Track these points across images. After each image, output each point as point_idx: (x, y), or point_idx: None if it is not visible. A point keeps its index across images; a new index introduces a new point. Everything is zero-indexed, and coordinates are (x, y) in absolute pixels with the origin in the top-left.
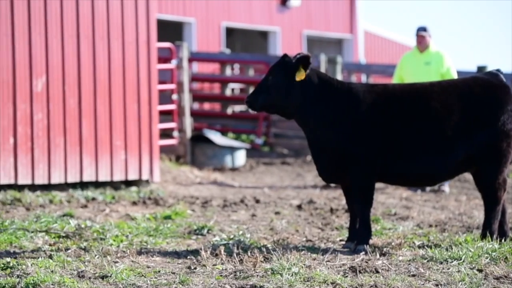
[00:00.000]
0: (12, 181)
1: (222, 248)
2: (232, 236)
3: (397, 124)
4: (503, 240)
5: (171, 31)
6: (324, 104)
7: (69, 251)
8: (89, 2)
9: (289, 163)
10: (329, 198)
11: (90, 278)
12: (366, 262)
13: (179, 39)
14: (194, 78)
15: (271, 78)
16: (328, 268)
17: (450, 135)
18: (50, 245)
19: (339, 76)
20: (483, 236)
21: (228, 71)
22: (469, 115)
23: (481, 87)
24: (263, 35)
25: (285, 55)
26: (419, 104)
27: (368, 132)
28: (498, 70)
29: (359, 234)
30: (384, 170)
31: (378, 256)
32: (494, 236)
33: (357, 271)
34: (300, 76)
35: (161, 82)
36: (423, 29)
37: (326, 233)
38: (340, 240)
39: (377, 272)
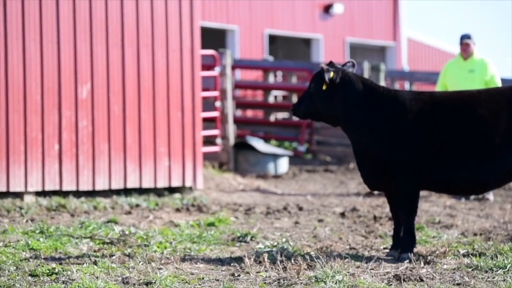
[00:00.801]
0: (57, 187)
1: (265, 256)
2: (275, 244)
3: (444, 132)
4: None
5: (214, 38)
6: (369, 111)
7: (113, 257)
8: (133, 10)
9: (332, 170)
10: (373, 206)
11: (134, 284)
12: (411, 271)
13: (223, 46)
14: (237, 85)
15: (312, 85)
16: (372, 276)
17: (498, 143)
18: (94, 251)
19: (382, 84)
20: None
21: (271, 78)
22: None
23: None
24: (306, 43)
25: (330, 62)
26: (466, 111)
27: (415, 140)
28: None
29: (404, 242)
30: (431, 178)
31: (422, 264)
32: None
33: (401, 280)
34: (325, 86)
35: (204, 89)
36: (468, 36)
37: (370, 241)
38: (384, 248)
39: (422, 280)
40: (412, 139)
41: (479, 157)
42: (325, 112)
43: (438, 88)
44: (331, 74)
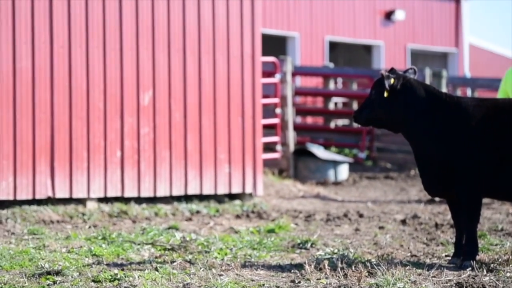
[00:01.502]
0: (119, 194)
1: (326, 262)
2: (336, 251)
3: (507, 139)
4: None
5: (275, 45)
6: (431, 118)
7: (174, 263)
8: (195, 17)
9: (393, 177)
10: (434, 213)
11: None
12: (473, 278)
13: (283, 53)
14: (298, 92)
15: (373, 92)
16: (434, 283)
17: None
18: (156, 257)
19: (444, 90)
20: None
21: (331, 85)
22: None
23: None
24: (367, 49)
25: (391, 69)
26: None
27: (477, 147)
28: None
29: (466, 250)
30: (493, 186)
31: (485, 272)
32: None
33: (464, 287)
34: (387, 93)
35: (265, 96)
36: None
37: (431, 248)
38: (446, 256)
39: None
40: (474, 146)
41: None
42: (386, 118)
43: (499, 95)
44: (392, 80)
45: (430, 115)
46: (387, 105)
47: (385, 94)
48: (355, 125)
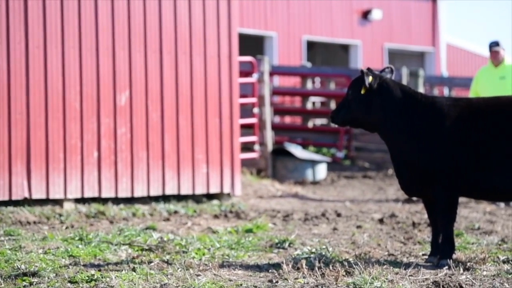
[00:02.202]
0: (96, 194)
1: (303, 262)
2: (313, 250)
3: (482, 139)
4: None
5: (252, 44)
6: (407, 118)
7: (152, 264)
8: (172, 17)
9: (371, 176)
10: (411, 212)
11: None
12: (450, 277)
13: (260, 53)
14: (275, 92)
15: (350, 92)
16: (411, 282)
17: None
18: (133, 258)
19: (421, 90)
20: None
21: (309, 85)
22: None
23: None
24: (344, 48)
25: (368, 68)
26: (505, 117)
27: (452, 147)
28: None
29: (442, 249)
30: (469, 185)
31: (461, 271)
32: None
33: (441, 286)
34: (364, 90)
35: (242, 95)
36: (496, 43)
37: (409, 247)
38: (423, 255)
39: (461, 287)
40: (450, 146)
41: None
42: (363, 118)
43: (471, 95)
44: (370, 78)
45: (406, 115)
46: (364, 105)
47: (362, 91)
48: (333, 124)
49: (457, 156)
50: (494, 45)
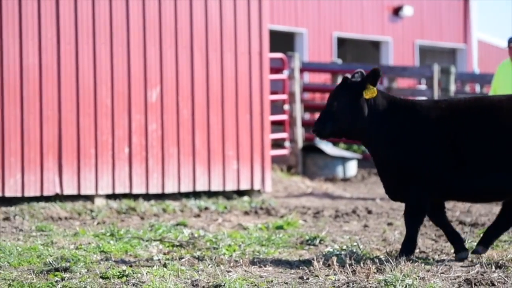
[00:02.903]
0: (127, 190)
1: (334, 259)
2: (344, 247)
3: (462, 141)
4: None
5: (283, 41)
6: (389, 123)
7: (183, 260)
8: (203, 14)
9: None
10: None
11: (203, 287)
12: (482, 275)
13: (291, 49)
14: (306, 88)
15: (336, 103)
16: (443, 280)
17: None
18: (164, 254)
19: (453, 87)
20: None
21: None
22: None
23: None
24: (375, 45)
25: (345, 78)
26: (485, 119)
27: (431, 150)
28: None
29: (403, 248)
30: (449, 187)
31: (493, 268)
32: None
33: (472, 284)
34: (371, 93)
35: (272, 92)
36: None
37: (440, 245)
38: (454, 252)
39: (493, 285)
40: (428, 149)
41: (498, 166)
42: (351, 127)
43: (491, 92)
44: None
45: (388, 121)
46: (352, 113)
47: (368, 96)
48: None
49: (435, 158)
50: (511, 41)
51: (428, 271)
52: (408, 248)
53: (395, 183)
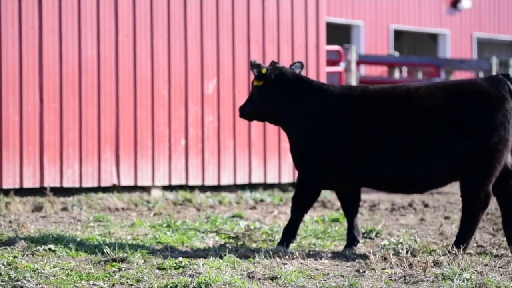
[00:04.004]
0: (183, 182)
1: (391, 252)
2: (401, 240)
3: (371, 129)
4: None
5: (339, 34)
6: (300, 107)
7: (239, 252)
8: (259, 6)
9: None
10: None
11: (260, 279)
12: None
13: (348, 41)
14: (362, 81)
15: (253, 86)
16: (501, 274)
17: (430, 143)
18: (220, 245)
19: None
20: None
21: (396, 74)
22: (453, 124)
23: (472, 95)
24: (433, 38)
25: (272, 62)
26: (398, 108)
27: (332, 136)
28: (506, 76)
29: (283, 235)
30: (358, 175)
31: None
32: (462, 250)
33: None
34: (257, 82)
35: None
36: None
37: (498, 239)
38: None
39: None
40: (328, 135)
41: (406, 157)
42: (265, 111)
43: None
44: (264, 70)
45: (300, 104)
46: (264, 97)
47: (256, 83)
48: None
49: (336, 144)
50: None
51: (486, 265)
52: (288, 237)
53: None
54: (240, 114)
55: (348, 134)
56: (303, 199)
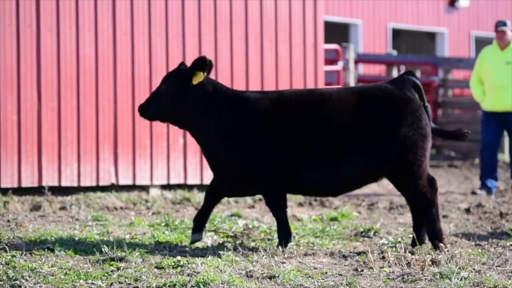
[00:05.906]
0: (181, 181)
1: (389, 251)
2: (399, 239)
3: (288, 134)
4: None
5: (337, 32)
6: (216, 115)
7: (237, 250)
8: (257, 5)
9: (457, 166)
10: (499, 202)
11: (258, 278)
12: None
13: (346, 40)
14: (360, 80)
15: (164, 86)
16: (499, 273)
17: (342, 148)
18: (218, 244)
19: None
20: (435, 247)
21: (394, 73)
22: (366, 128)
23: (380, 99)
24: (431, 36)
25: (181, 63)
26: (312, 112)
27: (260, 143)
28: (409, 73)
29: (280, 237)
30: (289, 181)
31: None
32: (442, 240)
33: None
34: (198, 78)
35: (327, 83)
36: (503, 23)
37: (496, 238)
38: (511, 245)
39: None
40: (257, 142)
41: (319, 161)
42: (175, 114)
43: (473, 80)
44: (202, 74)
45: (215, 112)
46: (178, 99)
47: (195, 82)
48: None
49: (263, 151)
50: (500, 24)
51: (483, 264)
52: (285, 236)
53: (229, 179)
54: (142, 113)
55: (277, 139)
56: (274, 201)
